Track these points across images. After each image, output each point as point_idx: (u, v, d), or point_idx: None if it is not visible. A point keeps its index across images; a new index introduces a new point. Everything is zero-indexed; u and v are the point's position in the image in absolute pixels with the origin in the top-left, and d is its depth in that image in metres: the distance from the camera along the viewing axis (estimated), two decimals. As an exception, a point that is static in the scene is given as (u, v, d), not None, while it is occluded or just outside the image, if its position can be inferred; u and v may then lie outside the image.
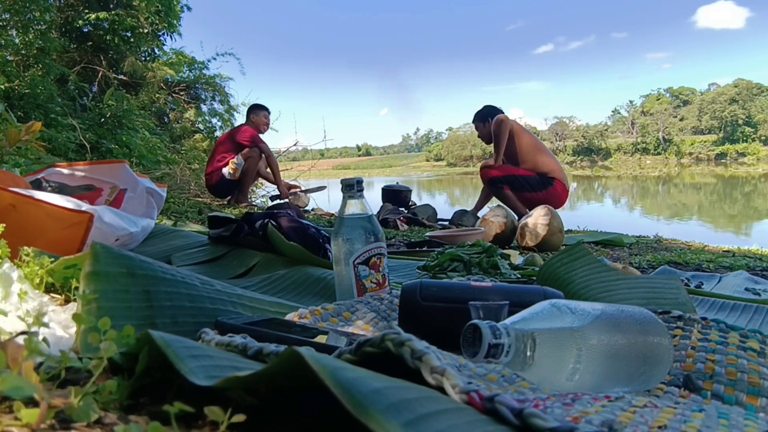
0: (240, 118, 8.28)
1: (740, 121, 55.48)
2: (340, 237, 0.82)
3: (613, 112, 69.66)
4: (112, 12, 6.44)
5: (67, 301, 0.70)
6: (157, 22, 6.85)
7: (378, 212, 3.60)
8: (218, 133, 8.11)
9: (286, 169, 6.68)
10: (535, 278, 1.13)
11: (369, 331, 0.70)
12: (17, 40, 4.97)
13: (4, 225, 0.75)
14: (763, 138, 53.71)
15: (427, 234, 2.43)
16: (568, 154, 59.97)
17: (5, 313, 0.48)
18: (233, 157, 4.24)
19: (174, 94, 7.92)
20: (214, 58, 8.19)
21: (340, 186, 0.85)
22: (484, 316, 0.58)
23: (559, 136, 64.73)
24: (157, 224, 1.62)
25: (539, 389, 0.45)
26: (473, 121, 3.80)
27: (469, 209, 3.74)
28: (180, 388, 0.39)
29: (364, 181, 0.86)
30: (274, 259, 1.23)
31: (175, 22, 7.24)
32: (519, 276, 1.36)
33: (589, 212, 8.70)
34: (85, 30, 6.59)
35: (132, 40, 6.85)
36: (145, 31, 6.71)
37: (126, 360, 0.41)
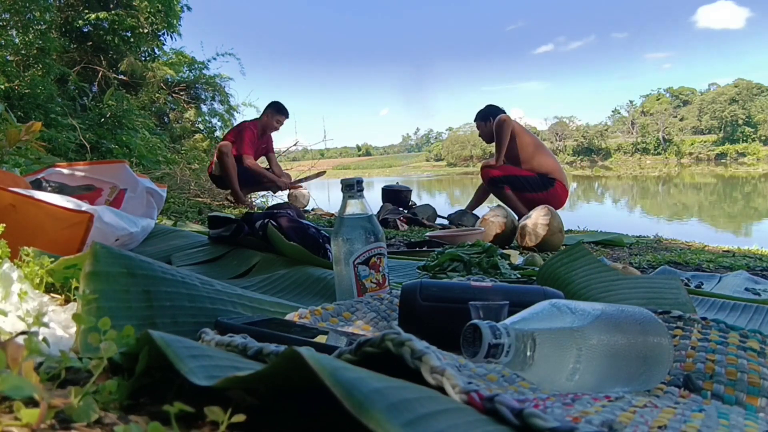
0: (240, 118, 8.29)
1: (740, 121, 55.48)
2: (340, 237, 0.82)
3: (613, 112, 69.72)
4: (112, 12, 6.44)
5: (67, 301, 0.70)
6: (157, 22, 6.85)
7: (378, 212, 3.59)
8: (218, 133, 8.12)
9: (287, 169, 6.68)
10: (535, 278, 1.13)
11: (369, 331, 0.70)
12: (17, 40, 4.97)
13: (4, 225, 0.75)
14: (763, 138, 53.71)
15: (427, 234, 2.43)
16: (568, 154, 59.97)
17: (5, 313, 0.48)
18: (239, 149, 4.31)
19: (174, 94, 7.92)
20: (214, 58, 8.20)
21: (340, 186, 0.85)
22: (484, 316, 0.58)
23: (559, 136, 64.73)
24: (157, 224, 1.62)
25: (539, 389, 0.45)
26: (475, 120, 3.80)
27: (469, 210, 3.74)
28: (180, 388, 0.39)
29: (364, 181, 0.86)
30: (274, 259, 1.23)
31: (175, 22, 7.24)
32: (519, 276, 1.35)
33: (589, 212, 8.70)
34: (85, 30, 6.59)
35: (132, 40, 6.85)
36: (145, 31, 6.72)
37: (126, 360, 0.41)
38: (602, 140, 61.07)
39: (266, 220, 1.33)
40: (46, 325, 0.42)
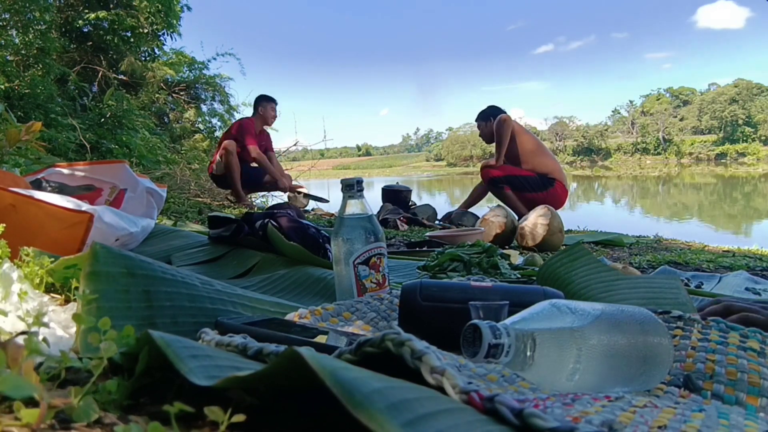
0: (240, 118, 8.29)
1: (740, 121, 55.49)
2: (340, 237, 0.82)
3: (613, 112, 69.73)
4: (112, 12, 6.44)
5: (67, 301, 0.70)
6: (157, 22, 6.85)
7: (378, 212, 3.59)
8: (218, 133, 8.12)
9: (287, 169, 6.68)
10: (535, 278, 1.13)
11: (369, 331, 0.70)
12: (17, 40, 4.97)
13: (4, 225, 0.75)
14: (763, 138, 53.69)
15: (427, 234, 2.43)
16: (568, 154, 59.98)
17: (5, 313, 0.48)
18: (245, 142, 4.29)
19: (174, 94, 7.92)
20: (214, 58, 8.20)
21: (340, 186, 0.85)
22: (484, 316, 0.58)
23: (559, 136, 64.73)
24: (157, 224, 1.62)
25: (539, 389, 0.45)
26: (476, 120, 3.80)
27: (468, 210, 3.74)
28: (180, 388, 0.39)
29: (364, 181, 0.86)
30: (274, 259, 1.23)
31: (175, 22, 7.25)
32: (519, 276, 1.36)
33: (589, 212, 8.70)
34: (85, 30, 6.59)
35: (132, 40, 6.86)
36: (145, 31, 6.72)
37: (126, 360, 0.41)
38: (602, 140, 61.08)
39: (266, 220, 1.33)
40: (46, 325, 0.42)
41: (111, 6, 6.57)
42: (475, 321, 0.47)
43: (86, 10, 6.39)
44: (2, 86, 4.40)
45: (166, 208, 3.01)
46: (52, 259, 0.71)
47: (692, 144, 56.74)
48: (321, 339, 0.54)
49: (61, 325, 0.52)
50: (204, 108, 8.42)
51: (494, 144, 3.65)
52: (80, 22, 6.37)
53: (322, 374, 0.28)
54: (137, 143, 5.31)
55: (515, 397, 0.41)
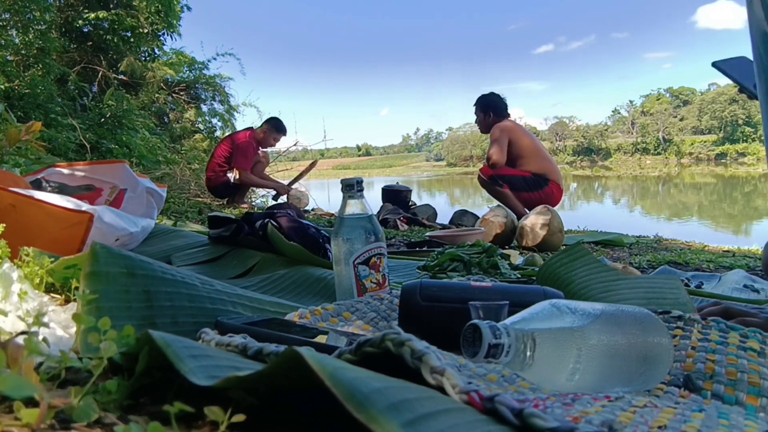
0: (240, 118, 8.27)
1: (740, 121, 55.47)
2: (340, 237, 0.82)
3: (613, 112, 69.74)
4: (112, 12, 6.44)
5: (67, 301, 0.70)
6: (157, 22, 6.85)
7: (378, 212, 3.59)
8: (218, 133, 8.12)
9: (287, 169, 6.68)
10: (535, 278, 1.13)
11: (369, 331, 0.70)
12: (17, 40, 4.97)
13: (4, 225, 0.75)
14: (763, 138, 53.43)
15: (427, 234, 2.44)
16: (568, 154, 59.99)
17: (5, 313, 0.48)
18: (238, 164, 4.26)
19: (174, 94, 7.92)
20: (214, 58, 8.20)
21: (340, 186, 0.85)
22: (484, 316, 0.58)
23: (559, 136, 64.73)
24: (157, 224, 1.62)
25: (539, 389, 0.45)
26: (474, 104, 3.76)
27: (468, 209, 3.73)
28: (180, 388, 0.39)
29: (364, 181, 0.86)
30: (274, 259, 1.23)
31: (174, 22, 7.24)
32: (519, 276, 1.36)
33: (589, 212, 8.70)
34: (85, 30, 6.59)
35: (132, 40, 6.85)
36: (145, 31, 6.72)
37: (126, 360, 0.41)
38: (602, 140, 61.11)
39: (266, 220, 1.33)
40: (46, 325, 0.42)
41: (111, 6, 6.57)
42: (475, 321, 0.47)
43: (86, 10, 6.39)
44: (2, 86, 4.40)
45: (166, 208, 3.01)
46: (52, 259, 0.71)
47: (692, 144, 56.75)
48: (321, 339, 0.54)
49: (61, 325, 0.52)
50: (204, 108, 8.42)
51: (489, 139, 3.63)
52: (80, 22, 6.36)
53: (322, 374, 0.28)
54: (137, 143, 5.31)
55: (515, 397, 0.41)
